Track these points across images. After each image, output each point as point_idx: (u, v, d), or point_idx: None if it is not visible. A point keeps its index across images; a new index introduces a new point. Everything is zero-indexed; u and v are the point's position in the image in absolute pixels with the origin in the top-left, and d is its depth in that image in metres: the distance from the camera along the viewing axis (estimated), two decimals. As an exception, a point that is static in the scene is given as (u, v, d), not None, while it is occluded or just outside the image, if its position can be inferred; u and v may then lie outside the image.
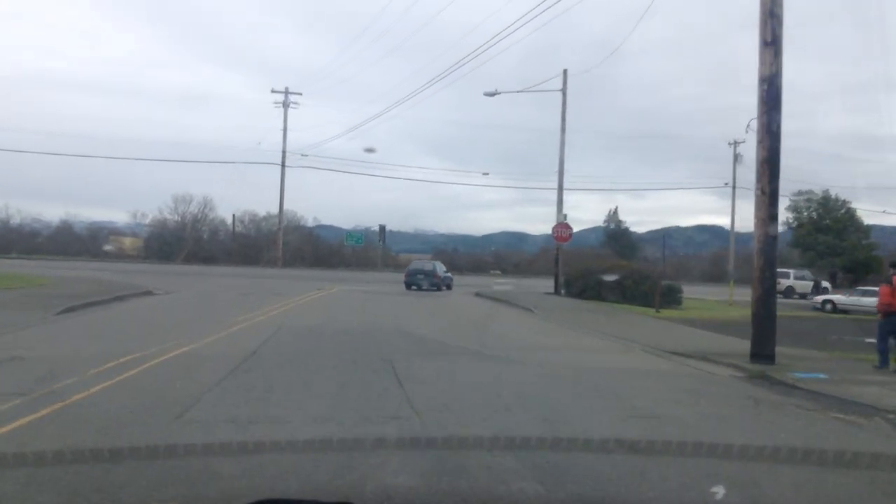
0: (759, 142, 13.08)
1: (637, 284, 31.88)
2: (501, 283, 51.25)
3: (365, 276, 55.19)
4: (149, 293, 26.76)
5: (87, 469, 5.34)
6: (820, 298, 40.57)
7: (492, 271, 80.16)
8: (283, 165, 63.30)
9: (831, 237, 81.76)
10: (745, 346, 16.36)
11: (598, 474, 5.50)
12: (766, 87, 12.93)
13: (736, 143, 73.82)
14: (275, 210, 70.51)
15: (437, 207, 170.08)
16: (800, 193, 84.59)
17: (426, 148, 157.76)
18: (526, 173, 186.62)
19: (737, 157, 73.29)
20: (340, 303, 25.75)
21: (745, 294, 41.39)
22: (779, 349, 13.94)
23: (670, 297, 32.73)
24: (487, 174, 64.74)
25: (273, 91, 63.43)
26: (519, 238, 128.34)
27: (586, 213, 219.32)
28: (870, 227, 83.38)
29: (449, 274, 43.99)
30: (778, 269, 42.83)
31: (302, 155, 61.62)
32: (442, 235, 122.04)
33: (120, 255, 76.74)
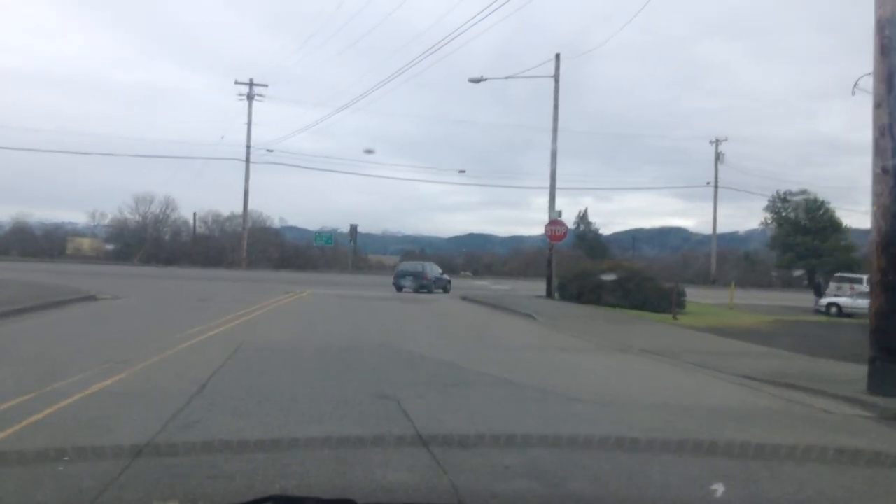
0: (877, 105, 9.81)
1: (639, 287, 28.74)
2: (482, 286, 47.97)
3: (336, 278, 51.48)
4: (92, 298, 22.97)
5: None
6: (824, 301, 37.92)
7: (462, 273, 77.57)
8: (247, 161, 59.39)
9: (810, 238, 80.00)
10: (820, 366, 13.28)
11: (598, 473, 5.33)
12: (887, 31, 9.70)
13: (718, 142, 71.89)
14: (239, 210, 66.57)
15: (403, 210, 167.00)
16: (778, 194, 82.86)
17: (394, 149, 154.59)
18: (493, 175, 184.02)
19: (718, 157, 71.30)
20: (314, 310, 22.18)
21: (741, 298, 39.29)
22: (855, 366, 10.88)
23: (659, 301, 29.69)
24: (464, 171, 60.83)
25: (237, 83, 59.46)
26: (485, 240, 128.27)
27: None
28: (848, 229, 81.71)
29: (445, 276, 41.46)
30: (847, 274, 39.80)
31: (267, 150, 57.77)
32: (409, 237, 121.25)
33: (79, 257, 72.99)
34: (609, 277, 28.89)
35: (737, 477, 5.41)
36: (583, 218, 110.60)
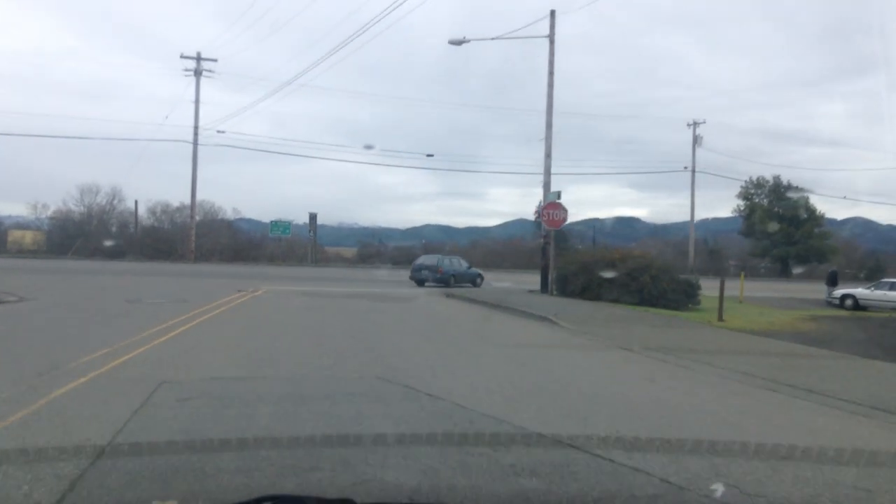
0: None
1: (655, 280, 24.36)
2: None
3: (295, 272, 46.19)
4: (-12, 302, 17.82)
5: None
6: (838, 293, 34.12)
7: None
8: (194, 144, 53.61)
9: (785, 225, 77.12)
10: None
11: (599, 472, 5.13)
12: None
13: (696, 125, 68.18)
14: (187, 199, 60.78)
15: (359, 201, 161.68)
16: (751, 180, 79.83)
17: (351, 139, 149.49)
18: (452, 164, 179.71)
19: (696, 139, 67.59)
20: (272, 316, 17.16)
21: (733, 289, 35.13)
22: None
23: (689, 296, 25.41)
24: (432, 155, 55.42)
25: (183, 56, 53.55)
26: (443, 231, 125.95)
27: (507, 206, 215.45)
28: (823, 215, 79.04)
29: (474, 270, 38.64)
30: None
31: (218, 131, 52.13)
32: (366, 229, 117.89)
33: (19, 251, 67.41)
34: (620, 269, 24.45)
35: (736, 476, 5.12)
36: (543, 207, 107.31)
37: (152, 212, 78.46)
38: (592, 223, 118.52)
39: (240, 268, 48.95)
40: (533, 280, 44.78)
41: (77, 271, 37.84)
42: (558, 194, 26.87)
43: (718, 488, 4.84)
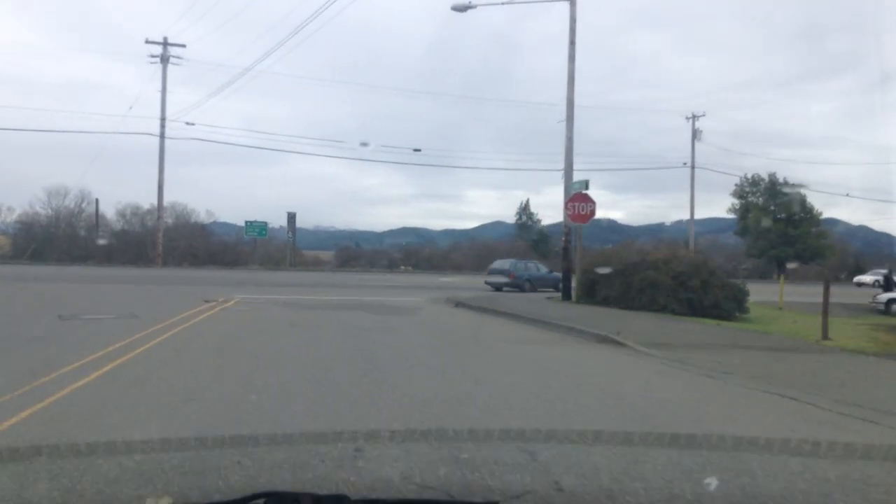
0: None
1: (706, 286, 20.25)
2: (453, 285, 38.95)
3: (272, 277, 41.51)
4: None
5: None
6: (883, 297, 30.29)
7: (403, 267, 69.49)
8: (161, 137, 48.70)
9: (781, 224, 73.78)
10: None
11: (594, 467, 4.72)
12: None
13: (695, 118, 64.45)
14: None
15: (336, 203, 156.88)
16: (745, 178, 76.40)
17: (326, 142, 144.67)
18: (427, 163, 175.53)
19: (696, 133, 63.88)
20: (245, 339, 12.54)
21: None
22: None
23: (737, 304, 21.30)
24: (419, 150, 51.07)
25: (148, 42, 48.62)
26: (420, 234, 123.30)
27: (484, 209, 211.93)
28: (820, 214, 75.79)
29: (556, 274, 35.59)
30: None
31: (187, 123, 47.32)
32: (342, 232, 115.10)
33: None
34: (664, 273, 20.28)
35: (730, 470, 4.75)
36: (524, 209, 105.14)
37: (122, 214, 74.38)
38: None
39: (212, 273, 44.17)
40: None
41: (26, 277, 32.98)
42: (585, 184, 22.63)
43: (712, 482, 4.35)
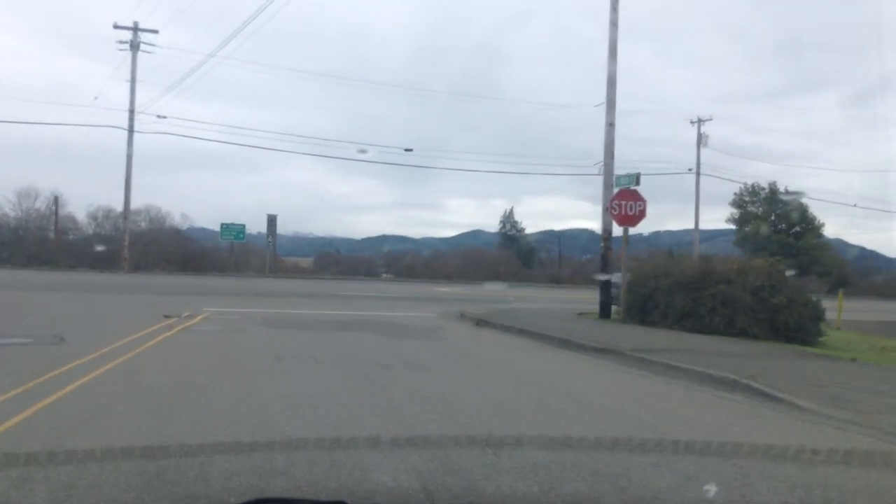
0: None
1: (791, 304, 16.12)
2: (450, 295, 34.71)
3: (250, 285, 36.87)
4: None
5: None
6: (948, 315, 26.44)
7: (384, 275, 66.12)
8: (130, 130, 43.95)
9: (783, 235, 70.48)
10: None
11: (594, 474, 4.63)
12: None
13: (700, 122, 60.82)
14: (135, 205, 51.47)
15: (315, 210, 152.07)
16: (745, 187, 73.06)
17: (305, 148, 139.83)
18: (408, 174, 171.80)
19: (702, 138, 60.23)
20: (199, 397, 7.78)
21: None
22: None
23: (812, 326, 17.13)
24: (411, 150, 46.73)
25: (117, 27, 43.86)
26: (399, 241, 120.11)
27: (464, 217, 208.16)
28: (822, 225, 72.55)
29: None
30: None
31: (158, 116, 42.67)
32: (321, 238, 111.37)
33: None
34: (738, 288, 16.15)
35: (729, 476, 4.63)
36: (508, 217, 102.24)
37: (93, 217, 70.15)
38: (547, 235, 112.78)
39: (184, 280, 39.48)
40: (540, 296, 36.43)
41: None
42: (636, 178, 18.46)
43: (711, 489, 4.36)
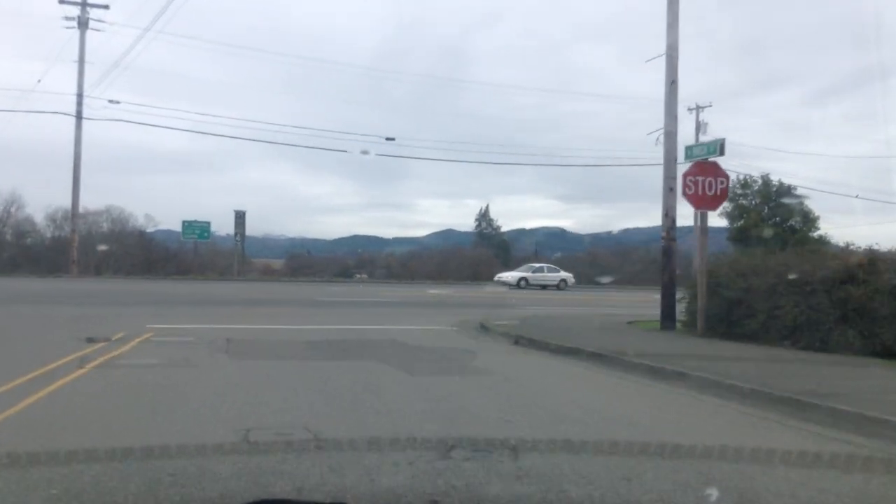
0: None
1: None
2: (444, 296, 30.33)
3: (216, 290, 31.77)
4: None
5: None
6: None
7: (358, 276, 61.82)
8: (78, 117, 38.68)
9: (780, 229, 67.10)
10: None
11: (593, 477, 4.45)
12: None
13: (699, 109, 57.11)
14: (97, 206, 46.81)
15: (285, 212, 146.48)
16: (738, 179, 69.54)
17: (275, 152, 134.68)
18: (376, 176, 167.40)
19: (700, 126, 56.57)
20: None
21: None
22: None
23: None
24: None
25: (62, 2, 38.49)
26: (371, 241, 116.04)
27: (436, 217, 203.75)
28: (817, 218, 69.25)
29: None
30: None
31: (110, 101, 37.48)
32: (292, 240, 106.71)
33: None
34: (872, 287, 11.82)
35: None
36: (484, 215, 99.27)
37: (52, 219, 65.06)
38: (517, 234, 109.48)
39: (140, 285, 34.38)
40: (543, 298, 31.91)
41: None
42: (718, 146, 13.96)
43: (713, 493, 4.24)
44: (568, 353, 11.45)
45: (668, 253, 15.55)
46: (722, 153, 13.81)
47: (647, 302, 32.33)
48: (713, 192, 13.92)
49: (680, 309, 15.47)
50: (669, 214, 15.41)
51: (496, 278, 47.74)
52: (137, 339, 11.67)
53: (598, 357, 10.70)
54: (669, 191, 15.21)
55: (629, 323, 16.73)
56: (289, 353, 10.73)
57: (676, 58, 15.32)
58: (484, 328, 15.61)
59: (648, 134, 44.06)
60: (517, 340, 13.23)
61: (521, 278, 45.10)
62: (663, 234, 15.70)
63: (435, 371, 9.33)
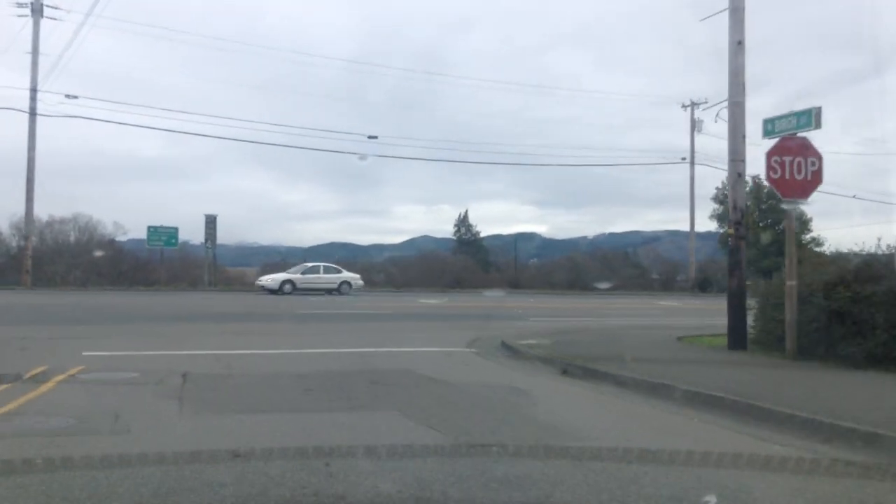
0: None
1: None
2: (440, 307, 27.27)
3: (183, 302, 28.23)
4: None
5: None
6: None
7: None
8: (31, 113, 35.04)
9: (774, 232, 64.91)
10: None
11: (590, 484, 4.39)
12: None
13: (694, 106, 54.69)
14: (64, 213, 42.97)
15: (259, 220, 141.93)
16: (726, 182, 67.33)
17: (249, 158, 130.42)
18: (351, 182, 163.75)
19: (695, 124, 54.15)
20: None
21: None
22: None
23: None
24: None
25: (14, -12, 34.85)
26: (346, 249, 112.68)
27: (412, 223, 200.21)
28: (810, 220, 67.23)
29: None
30: None
31: (67, 96, 33.95)
32: (267, 248, 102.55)
33: None
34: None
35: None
36: (463, 221, 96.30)
37: (17, 228, 60.89)
38: (492, 239, 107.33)
39: (99, 298, 30.79)
40: (550, 306, 28.39)
41: None
42: (812, 117, 10.97)
43: (711, 500, 4.14)
44: (652, 391, 8.37)
45: (735, 253, 12.64)
46: (818, 125, 10.85)
47: (660, 309, 29.12)
48: (803, 175, 11.00)
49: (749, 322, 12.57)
50: (738, 206, 12.50)
51: (256, 283, 39.66)
52: (58, 378, 8.40)
53: (708, 400, 7.63)
54: (738, 177, 12.32)
55: (679, 339, 13.76)
56: (272, 398, 7.55)
57: (743, 11, 12.39)
58: (509, 348, 12.57)
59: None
60: (565, 370, 10.14)
61: (286, 281, 36.80)
62: (730, 230, 12.83)
63: (491, 431, 6.21)
